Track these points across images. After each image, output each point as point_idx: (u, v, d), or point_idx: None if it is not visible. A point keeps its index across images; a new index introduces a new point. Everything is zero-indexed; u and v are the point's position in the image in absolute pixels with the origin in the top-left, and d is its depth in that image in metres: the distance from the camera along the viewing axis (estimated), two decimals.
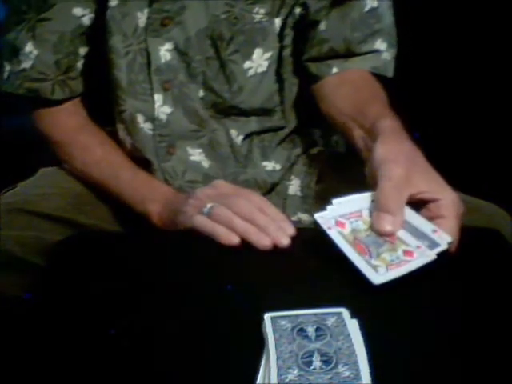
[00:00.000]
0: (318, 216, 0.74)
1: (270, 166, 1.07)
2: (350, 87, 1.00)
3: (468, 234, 0.73)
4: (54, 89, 1.02)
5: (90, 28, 1.01)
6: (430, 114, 1.55)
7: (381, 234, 0.72)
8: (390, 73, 1.04)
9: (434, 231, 0.71)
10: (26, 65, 1.00)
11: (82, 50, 1.03)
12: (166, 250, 0.80)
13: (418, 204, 0.74)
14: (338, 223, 0.73)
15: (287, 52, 1.04)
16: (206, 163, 1.04)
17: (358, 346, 0.56)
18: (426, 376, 0.57)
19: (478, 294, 0.68)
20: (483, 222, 0.90)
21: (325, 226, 0.73)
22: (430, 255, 0.69)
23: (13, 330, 0.64)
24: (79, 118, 1.06)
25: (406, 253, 0.69)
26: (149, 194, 0.97)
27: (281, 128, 1.07)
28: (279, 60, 1.03)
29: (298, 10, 1.01)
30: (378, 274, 0.67)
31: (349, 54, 1.02)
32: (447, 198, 0.72)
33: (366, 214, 0.75)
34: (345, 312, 0.61)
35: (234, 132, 1.04)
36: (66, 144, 1.04)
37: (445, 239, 0.70)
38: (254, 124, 1.05)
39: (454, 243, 0.71)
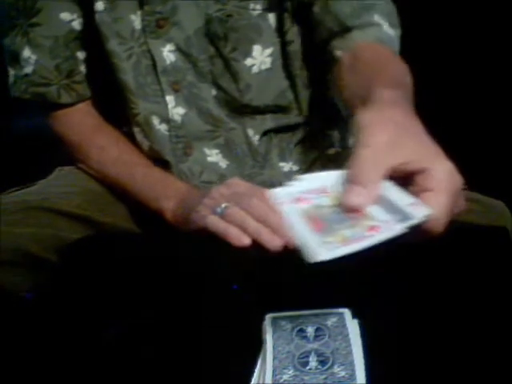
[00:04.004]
0: (277, 190, 0.66)
1: (287, 167, 1.07)
2: (363, 64, 0.90)
3: (477, 233, 0.73)
4: (60, 93, 1.04)
5: (84, 32, 1.02)
6: (442, 112, 1.54)
7: (348, 208, 0.61)
8: (396, 47, 0.96)
9: (413, 204, 0.59)
10: (28, 70, 1.02)
11: (80, 54, 1.04)
12: (174, 250, 0.81)
13: (407, 178, 0.61)
14: (300, 198, 0.65)
15: (294, 47, 1.02)
16: (223, 163, 1.05)
17: (355, 346, 0.57)
18: (425, 377, 0.57)
19: (481, 296, 0.68)
20: (495, 221, 0.89)
21: (280, 201, 0.65)
22: (396, 229, 0.57)
23: (19, 328, 0.65)
24: (94, 118, 1.07)
25: (370, 228, 0.59)
26: (163, 191, 0.98)
27: (298, 126, 1.07)
28: (285, 56, 1.01)
29: (288, 4, 0.99)
30: (323, 250, 0.56)
31: (346, 29, 0.95)
32: (437, 168, 0.60)
33: (335, 189, 0.64)
34: (346, 313, 0.61)
35: (250, 131, 1.04)
36: (82, 145, 1.06)
37: (421, 212, 0.58)
38: (270, 122, 1.05)
39: (438, 219, 0.58)
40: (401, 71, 0.86)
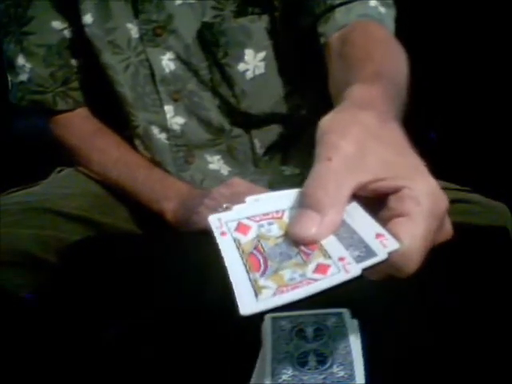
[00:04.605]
0: (215, 217, 0.51)
1: (288, 170, 1.06)
2: (350, 47, 0.80)
3: (477, 233, 0.73)
4: (56, 100, 1.04)
5: (76, 42, 1.01)
6: (445, 114, 1.54)
7: (299, 240, 0.47)
8: (389, 25, 0.86)
9: (378, 235, 0.46)
10: (23, 77, 1.03)
11: (75, 62, 1.04)
12: (175, 251, 0.81)
13: (379, 200, 0.48)
14: (240, 227, 0.50)
15: (289, 50, 0.97)
16: (224, 171, 1.04)
17: (354, 346, 0.57)
18: (425, 377, 0.57)
19: (482, 296, 0.68)
20: (495, 221, 0.89)
21: (217, 231, 0.50)
22: (350, 271, 0.44)
23: (19, 329, 0.66)
24: (93, 122, 1.08)
25: (317, 268, 0.45)
26: (164, 192, 0.98)
27: (303, 133, 1.04)
28: (280, 60, 0.98)
29: (277, 2, 0.94)
30: (251, 300, 0.45)
31: (328, 9, 0.87)
32: (415, 187, 0.46)
33: (290, 214, 0.50)
34: (346, 313, 0.61)
35: (257, 142, 1.02)
36: (83, 148, 1.06)
37: (388, 247, 0.45)
38: (275, 134, 1.03)
39: (408, 254, 0.45)
40: (389, 57, 0.76)
